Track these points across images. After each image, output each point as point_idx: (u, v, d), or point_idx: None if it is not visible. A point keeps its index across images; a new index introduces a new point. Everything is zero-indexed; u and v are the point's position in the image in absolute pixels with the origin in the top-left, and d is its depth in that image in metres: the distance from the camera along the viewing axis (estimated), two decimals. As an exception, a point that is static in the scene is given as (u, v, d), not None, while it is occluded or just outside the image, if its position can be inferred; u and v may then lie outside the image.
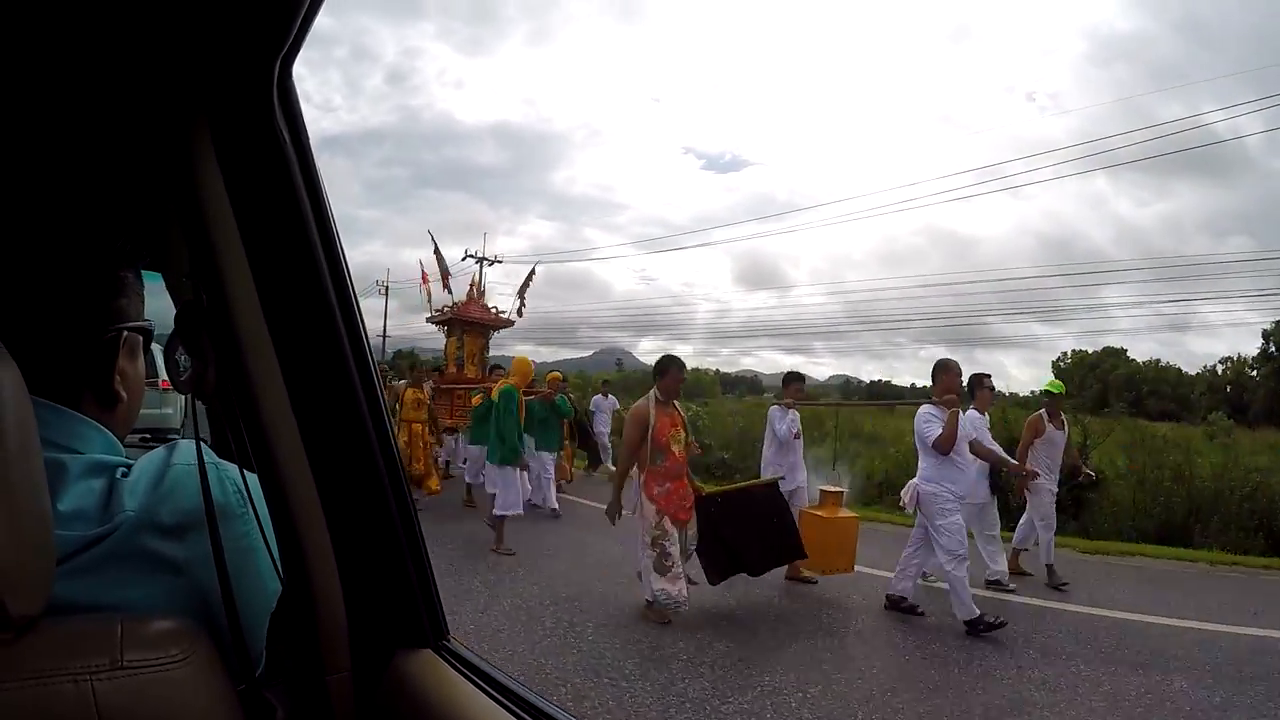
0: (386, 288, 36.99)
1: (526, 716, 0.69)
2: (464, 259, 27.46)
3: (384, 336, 37.78)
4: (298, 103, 0.66)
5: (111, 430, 0.73)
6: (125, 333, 0.73)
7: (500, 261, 27.77)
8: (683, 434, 4.81)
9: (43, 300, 0.68)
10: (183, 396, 0.75)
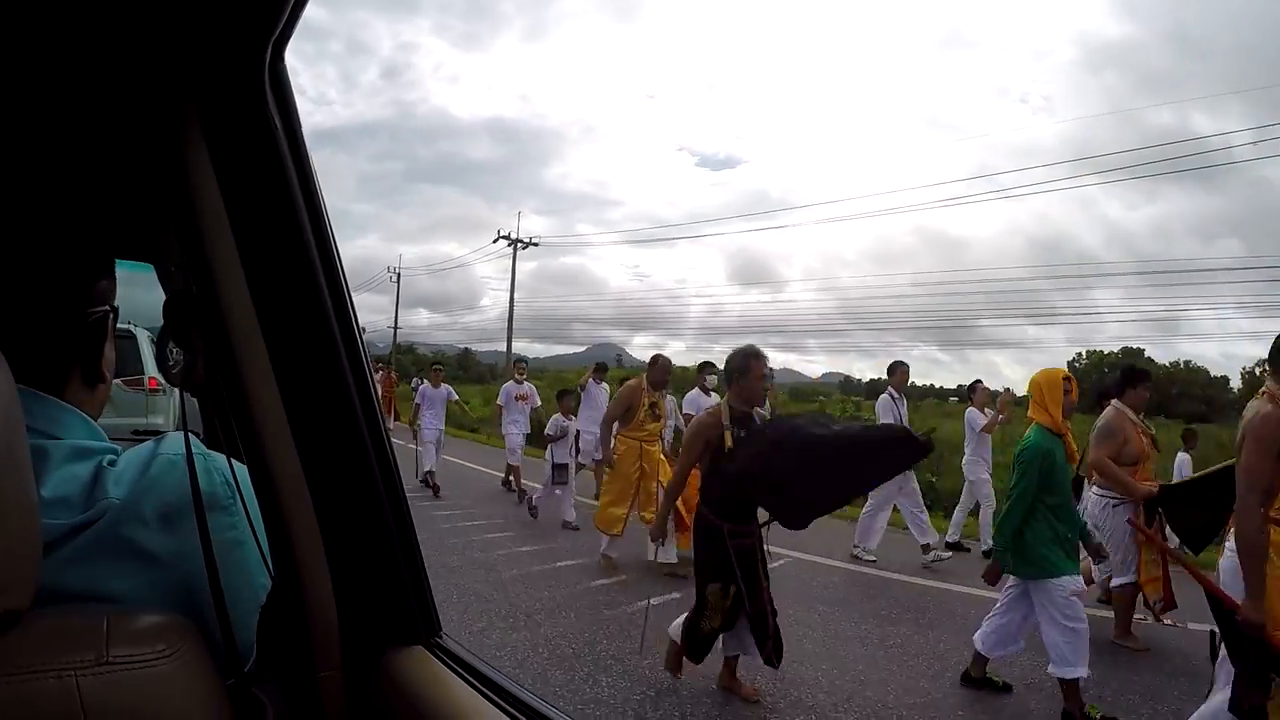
0: (399, 274, 35.12)
1: (518, 713, 0.69)
2: (495, 240, 26.75)
3: (395, 328, 35.94)
4: (290, 89, 0.65)
5: (90, 414, 0.72)
6: (110, 314, 0.73)
7: (537, 244, 27.14)
8: None
9: (30, 285, 0.67)
10: (172, 402, 0.75)
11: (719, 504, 3.19)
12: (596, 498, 7.99)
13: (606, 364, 9.64)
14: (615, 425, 5.89)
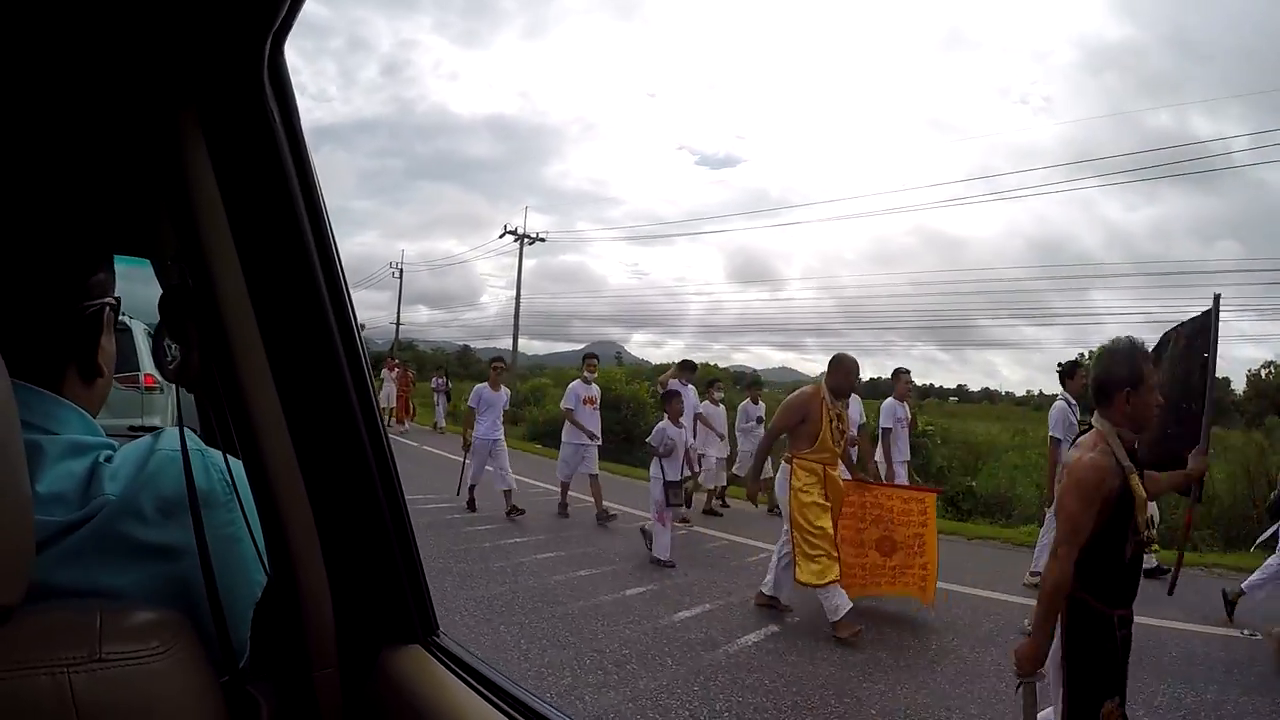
0: (401, 270, 34.38)
1: (516, 713, 0.68)
2: (502, 235, 26.15)
3: (398, 324, 35.39)
4: (289, 82, 0.64)
5: (88, 409, 0.72)
6: (107, 308, 0.73)
7: (544, 239, 26.77)
8: None
9: (24, 279, 0.67)
10: (170, 400, 0.75)
11: (1111, 582, 2.09)
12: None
13: (694, 362, 7.89)
14: (771, 446, 4.72)
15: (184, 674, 0.56)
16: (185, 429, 0.68)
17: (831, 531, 4.25)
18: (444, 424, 16.87)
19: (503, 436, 7.49)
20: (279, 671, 0.70)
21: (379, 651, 0.73)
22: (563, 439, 7.48)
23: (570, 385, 7.66)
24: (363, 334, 0.74)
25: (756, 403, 8.76)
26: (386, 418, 16.34)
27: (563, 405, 7.62)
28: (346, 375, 0.69)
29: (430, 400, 17.89)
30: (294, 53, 0.63)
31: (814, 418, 4.38)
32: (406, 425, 16.32)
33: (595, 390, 7.48)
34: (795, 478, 4.36)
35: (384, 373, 17.74)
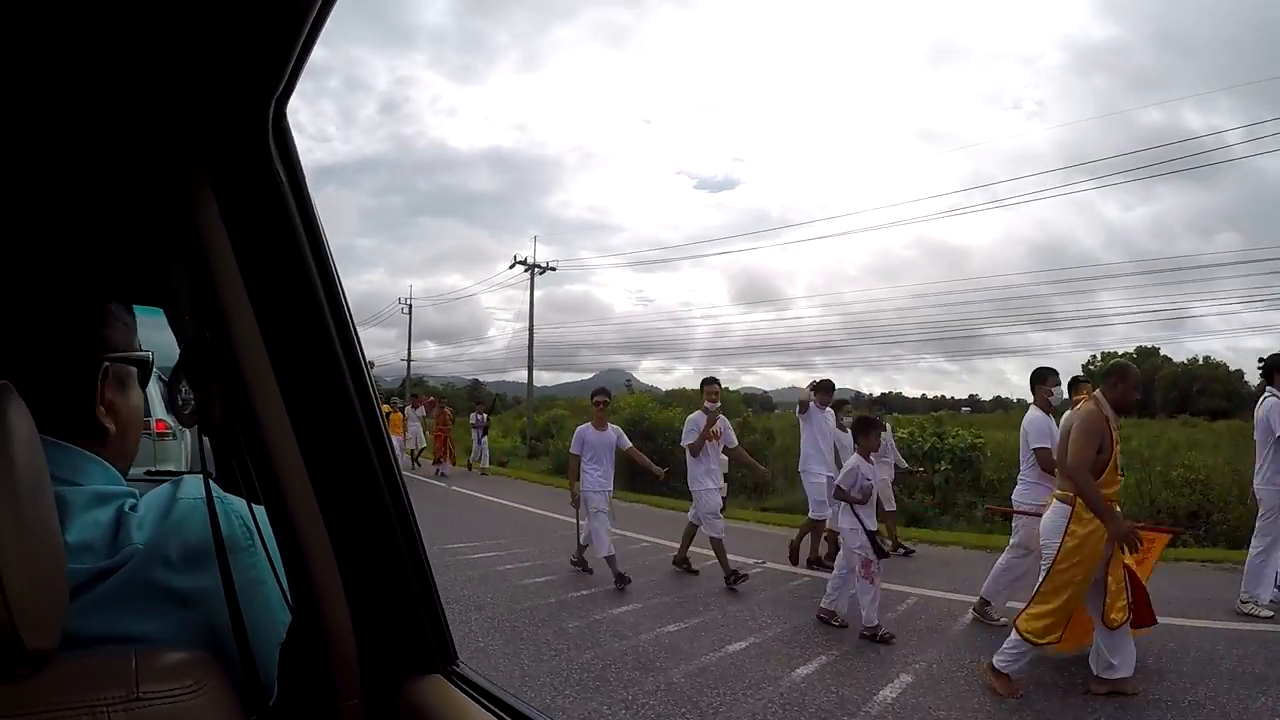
0: (410, 305, 34.05)
1: None
2: (512, 266, 25.81)
3: (409, 360, 34.84)
4: (293, 141, 0.68)
5: (115, 461, 0.74)
6: (107, 364, 0.73)
7: (554, 268, 26.28)
8: None
9: (48, 337, 0.70)
10: (184, 446, 0.77)
11: None
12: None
13: (831, 382, 6.68)
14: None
15: (217, 711, 0.59)
16: (208, 476, 0.70)
17: (1086, 587, 3.50)
18: (486, 464, 15.64)
19: (612, 488, 6.13)
20: (306, 705, 0.72)
21: (402, 682, 0.74)
22: (694, 488, 6.06)
23: (690, 418, 6.32)
24: (372, 372, 0.77)
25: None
26: (412, 459, 15.15)
27: (684, 442, 6.19)
28: (360, 417, 0.72)
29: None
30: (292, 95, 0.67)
31: (1107, 444, 3.51)
32: (448, 468, 14.77)
33: (721, 422, 6.19)
34: (1079, 522, 3.48)
35: (407, 410, 16.10)
